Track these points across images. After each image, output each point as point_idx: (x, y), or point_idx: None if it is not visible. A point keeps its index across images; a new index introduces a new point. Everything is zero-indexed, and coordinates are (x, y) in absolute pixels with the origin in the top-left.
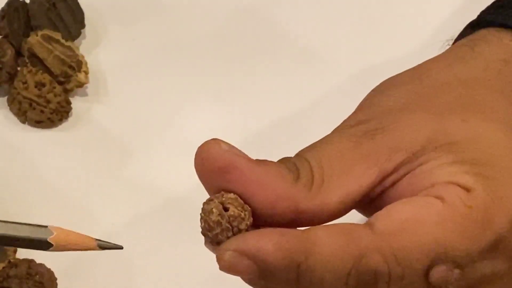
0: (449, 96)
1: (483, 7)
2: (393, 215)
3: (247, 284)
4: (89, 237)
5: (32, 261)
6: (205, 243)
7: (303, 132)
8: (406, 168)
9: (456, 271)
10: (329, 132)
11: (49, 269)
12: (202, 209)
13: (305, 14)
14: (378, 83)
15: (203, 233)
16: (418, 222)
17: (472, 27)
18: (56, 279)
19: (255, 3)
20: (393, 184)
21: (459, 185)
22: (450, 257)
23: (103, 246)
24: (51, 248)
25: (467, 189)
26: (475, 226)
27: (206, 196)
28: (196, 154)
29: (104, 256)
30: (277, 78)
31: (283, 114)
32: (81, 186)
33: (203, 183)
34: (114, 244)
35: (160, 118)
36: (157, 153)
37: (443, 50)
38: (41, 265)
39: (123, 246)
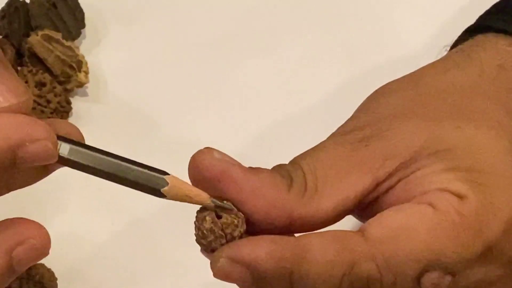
0: (443, 103)
1: (482, 13)
2: (385, 223)
3: None
4: (203, 192)
5: None
6: (201, 250)
7: (300, 136)
8: (400, 174)
9: (448, 277)
10: (325, 137)
11: (49, 269)
12: (196, 217)
13: (303, 17)
14: (375, 88)
15: (197, 240)
16: (410, 229)
17: (470, 32)
18: (56, 279)
19: (255, 3)
20: (387, 190)
21: (451, 192)
22: (442, 264)
23: (218, 205)
24: (164, 197)
25: (460, 196)
26: (467, 233)
27: None
28: (189, 163)
29: (104, 256)
30: (275, 81)
31: (281, 117)
32: (81, 186)
33: None
34: (229, 205)
35: (160, 118)
36: (156, 153)
37: (441, 56)
38: (41, 265)
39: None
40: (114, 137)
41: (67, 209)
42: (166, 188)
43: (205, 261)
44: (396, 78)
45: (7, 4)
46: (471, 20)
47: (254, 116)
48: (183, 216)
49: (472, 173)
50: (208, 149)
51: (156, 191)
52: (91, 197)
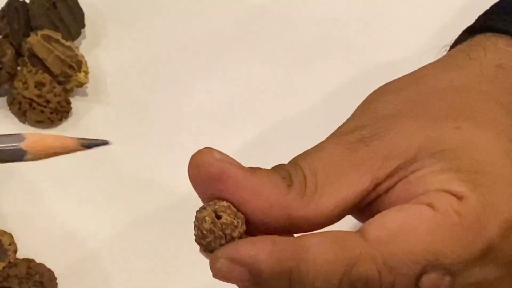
0: (443, 103)
1: (481, 13)
2: (384, 223)
3: None
4: (69, 137)
5: (32, 261)
6: (200, 250)
7: (300, 136)
8: (399, 175)
9: (447, 278)
10: (325, 137)
11: (49, 269)
12: (196, 217)
13: (302, 17)
14: (375, 88)
15: (196, 241)
16: (410, 230)
17: (470, 33)
18: (56, 279)
19: (255, 3)
20: (387, 190)
21: (451, 193)
22: (441, 265)
23: (88, 144)
24: (27, 157)
25: (459, 197)
26: (466, 233)
27: None
28: (189, 163)
29: (104, 256)
30: (275, 82)
31: (281, 117)
32: (81, 185)
33: (196, 191)
34: (101, 140)
35: (160, 118)
36: (157, 153)
37: (440, 56)
38: (41, 265)
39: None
40: (114, 137)
41: (67, 209)
42: (25, 142)
43: (205, 261)
44: (396, 78)
45: (7, 4)
46: (470, 20)
47: (254, 116)
48: (182, 216)
49: (471, 173)
50: (208, 149)
51: (16, 152)
52: (91, 197)
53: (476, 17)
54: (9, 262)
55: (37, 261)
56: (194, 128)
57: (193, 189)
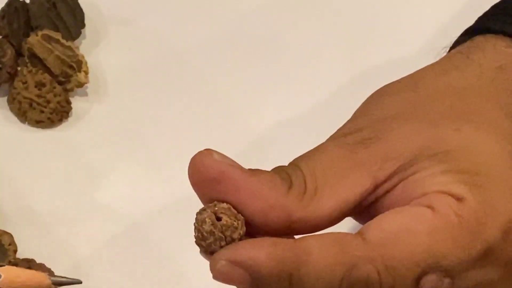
0: (442, 105)
1: (481, 14)
2: (384, 225)
3: None
4: (42, 274)
5: (32, 261)
6: (200, 252)
7: (300, 138)
8: (399, 176)
9: (447, 280)
10: (325, 139)
11: (49, 269)
12: (196, 218)
13: (303, 18)
14: (375, 90)
15: (196, 242)
16: (409, 232)
17: (469, 34)
18: None
19: (255, 4)
20: (386, 192)
21: (450, 195)
22: (440, 266)
23: (58, 282)
24: None
25: (459, 199)
26: (466, 235)
27: None
28: (189, 165)
29: (104, 256)
30: (274, 83)
31: (281, 119)
32: (81, 185)
33: (196, 193)
34: (71, 278)
35: (160, 118)
36: (157, 153)
37: (439, 57)
38: (41, 265)
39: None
40: (114, 137)
41: (67, 209)
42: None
43: (204, 263)
44: (396, 79)
45: (7, 4)
46: (470, 21)
47: (254, 117)
48: (183, 217)
49: (471, 175)
50: (207, 150)
51: None
52: (91, 198)
53: (475, 19)
54: (9, 262)
55: (37, 261)
56: (194, 128)
57: (193, 190)
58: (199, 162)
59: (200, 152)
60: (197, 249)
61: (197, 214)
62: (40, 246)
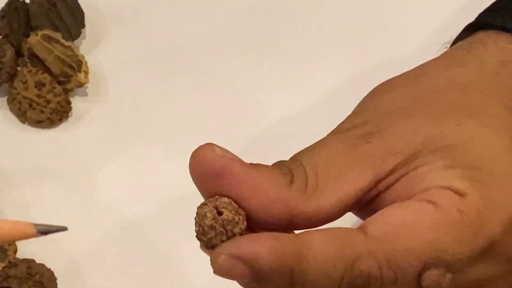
0: (444, 100)
1: (482, 10)
2: (386, 220)
3: None
4: (26, 223)
5: (32, 261)
6: (200, 246)
7: (301, 134)
8: (400, 171)
9: (448, 275)
10: (325, 134)
11: (49, 269)
12: (197, 213)
13: (303, 16)
14: (375, 85)
15: (197, 237)
16: (411, 226)
17: (470, 30)
18: (56, 279)
19: (255, 3)
20: (388, 187)
21: (452, 190)
22: (442, 261)
23: (44, 230)
24: None
25: (461, 194)
26: (468, 230)
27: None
28: (190, 159)
29: (104, 256)
30: (275, 80)
31: (282, 116)
32: (81, 185)
33: (197, 187)
34: (57, 226)
35: (160, 118)
36: (157, 153)
37: (441, 53)
38: (41, 265)
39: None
40: (114, 137)
41: (66, 209)
42: None
43: (203, 261)
44: (396, 75)
45: (7, 4)
46: (470, 18)
47: (255, 114)
48: (183, 216)
49: (472, 170)
50: (209, 144)
51: None
52: (91, 197)
53: (476, 15)
54: (9, 262)
55: (37, 261)
56: (194, 127)
57: (193, 186)
58: (200, 156)
59: (201, 146)
60: (196, 247)
61: (198, 208)
62: (40, 246)
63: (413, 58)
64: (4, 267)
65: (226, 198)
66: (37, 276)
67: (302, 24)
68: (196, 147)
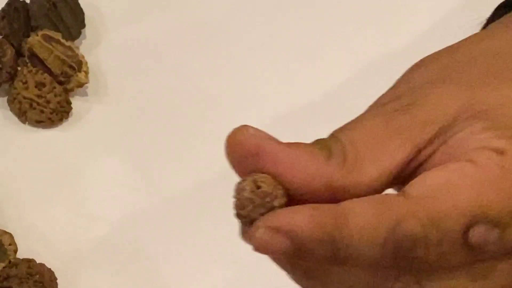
0: (479, 68)
1: (483, 3)
2: (426, 182)
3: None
4: None
5: (32, 261)
6: (240, 229)
7: (302, 131)
8: (439, 140)
9: (496, 230)
10: (328, 131)
11: (49, 269)
12: (235, 189)
13: (306, 10)
14: (380, 80)
15: (236, 213)
16: (452, 185)
17: (506, 8)
18: (56, 279)
19: (255, 1)
20: (428, 157)
21: (491, 149)
22: (487, 217)
23: None
24: None
25: (499, 152)
26: (510, 185)
27: (205, 196)
28: (225, 142)
29: (104, 256)
30: (277, 77)
31: (284, 112)
32: (81, 185)
33: (234, 170)
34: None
35: (160, 118)
36: (157, 153)
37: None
38: (41, 265)
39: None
40: (114, 137)
41: (66, 208)
42: None
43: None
44: (402, 70)
45: (7, 4)
46: (473, 10)
47: (257, 111)
48: (184, 216)
49: (510, 130)
50: (243, 126)
51: None
52: (91, 197)
53: (479, 6)
54: (9, 262)
55: (37, 261)
56: (194, 127)
57: (193, 186)
58: (235, 138)
59: (236, 128)
60: (195, 247)
61: (236, 184)
62: (40, 246)
63: (416, 55)
64: (4, 267)
65: (264, 174)
66: (37, 276)
67: (303, 20)
68: (230, 130)
